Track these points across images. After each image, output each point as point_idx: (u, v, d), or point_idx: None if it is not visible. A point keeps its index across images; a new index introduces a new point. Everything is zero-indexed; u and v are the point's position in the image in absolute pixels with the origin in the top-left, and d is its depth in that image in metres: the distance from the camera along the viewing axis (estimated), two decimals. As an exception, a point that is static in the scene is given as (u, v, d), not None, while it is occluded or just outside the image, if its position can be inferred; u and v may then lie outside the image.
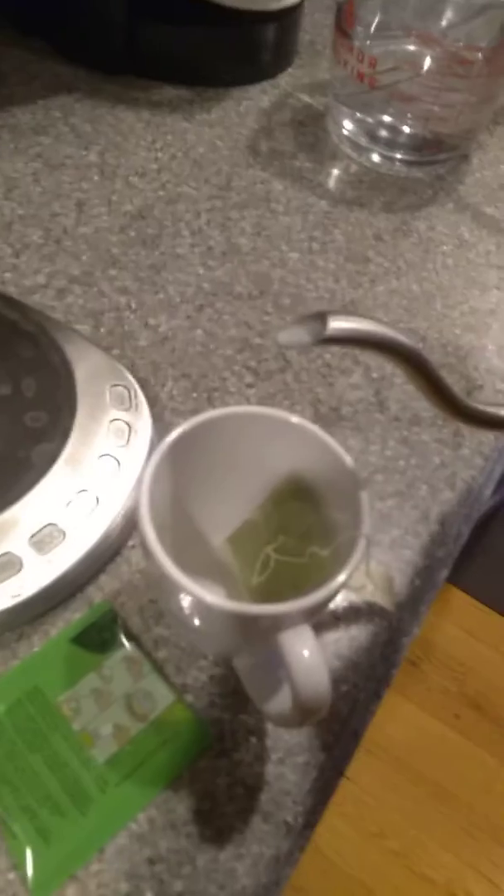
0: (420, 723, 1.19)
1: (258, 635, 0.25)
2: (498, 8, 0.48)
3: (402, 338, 0.24)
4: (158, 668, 0.31)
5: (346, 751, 0.31)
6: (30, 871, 0.26)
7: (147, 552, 0.25)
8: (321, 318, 0.23)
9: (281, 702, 0.26)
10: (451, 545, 0.38)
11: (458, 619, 1.30)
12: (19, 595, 0.29)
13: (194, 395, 0.40)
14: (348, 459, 0.27)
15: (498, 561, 1.35)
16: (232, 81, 0.57)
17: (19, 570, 0.30)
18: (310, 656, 0.23)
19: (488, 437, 0.41)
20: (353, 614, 0.33)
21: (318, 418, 0.40)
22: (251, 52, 0.57)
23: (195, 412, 0.39)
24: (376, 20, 0.50)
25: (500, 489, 1.11)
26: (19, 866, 0.26)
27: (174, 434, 0.27)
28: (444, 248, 0.49)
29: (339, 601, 0.34)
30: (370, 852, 1.07)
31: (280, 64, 0.59)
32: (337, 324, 0.23)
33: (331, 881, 1.04)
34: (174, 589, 0.24)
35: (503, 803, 1.12)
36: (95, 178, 0.49)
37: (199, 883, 0.27)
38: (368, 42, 0.50)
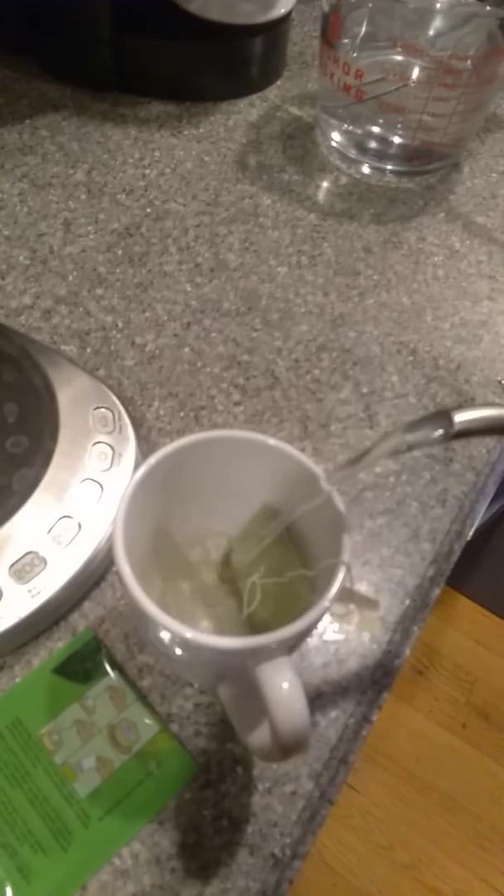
0: (427, 732, 1.18)
1: (238, 668, 0.25)
2: (484, 16, 0.47)
3: None
4: (143, 697, 0.30)
5: (335, 779, 0.31)
6: (9, 910, 0.25)
7: (123, 586, 0.24)
8: (445, 415, 0.24)
9: (263, 735, 0.25)
10: (442, 563, 0.37)
11: (464, 627, 1.28)
12: (-1, 626, 0.29)
13: (181, 414, 0.39)
14: (324, 482, 0.26)
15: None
16: (220, 95, 0.57)
17: (-1, 601, 0.29)
18: (288, 690, 0.23)
19: (480, 451, 0.40)
20: (342, 638, 0.33)
21: (306, 435, 0.39)
22: (239, 66, 0.57)
23: (182, 432, 0.39)
24: (363, 31, 0.50)
25: (502, 495, 1.10)
26: (-1, 906, 0.26)
27: (143, 468, 0.26)
28: (435, 258, 0.49)
29: (329, 625, 0.33)
30: (379, 865, 1.06)
31: (268, 77, 0.59)
32: (462, 417, 0.23)
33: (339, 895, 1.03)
34: (151, 623, 0.24)
35: (513, 814, 1.11)
36: (83, 196, 0.49)
37: (183, 920, 0.26)
38: (355, 54, 0.50)
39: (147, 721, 0.29)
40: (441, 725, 1.18)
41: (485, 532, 1.27)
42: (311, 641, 0.33)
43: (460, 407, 0.24)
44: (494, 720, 1.19)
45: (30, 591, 0.30)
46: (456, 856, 1.08)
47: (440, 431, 0.24)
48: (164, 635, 0.24)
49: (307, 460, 0.27)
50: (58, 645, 0.31)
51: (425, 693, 1.21)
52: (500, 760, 1.15)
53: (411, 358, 0.43)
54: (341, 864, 1.05)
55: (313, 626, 0.24)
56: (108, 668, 0.30)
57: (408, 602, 0.35)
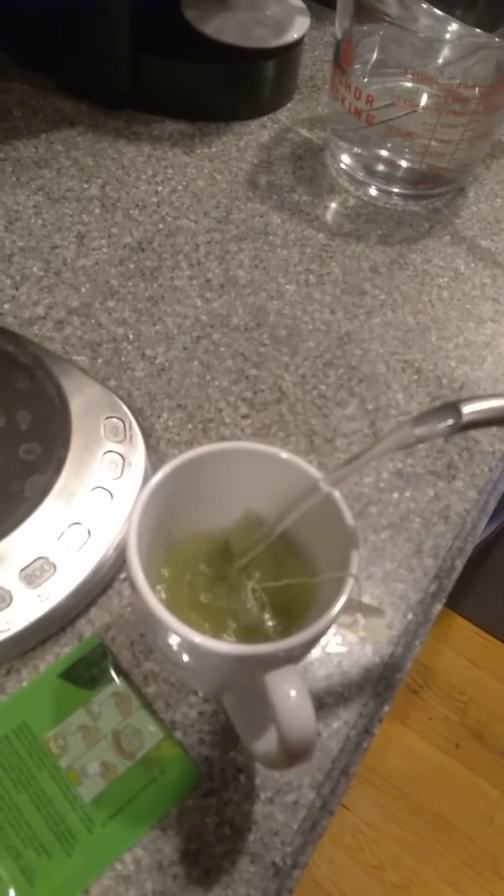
0: (420, 752, 1.17)
1: (245, 675, 0.25)
2: (493, 47, 0.49)
3: None
4: (148, 703, 0.31)
5: (336, 789, 0.31)
6: (13, 912, 0.26)
7: (135, 589, 0.25)
8: (453, 407, 0.23)
9: (268, 742, 0.26)
10: (444, 579, 0.37)
11: (459, 647, 1.29)
12: (8, 629, 0.29)
13: (189, 426, 0.40)
14: (322, 482, 0.27)
15: (500, 588, 1.34)
16: (232, 116, 0.58)
17: (9, 605, 0.30)
18: (296, 697, 0.23)
19: (482, 469, 0.41)
20: (345, 650, 0.33)
21: (312, 449, 0.40)
22: (252, 88, 0.58)
23: (190, 443, 0.39)
24: (373, 58, 0.51)
25: (500, 514, 1.11)
26: (2, 908, 0.26)
27: (160, 474, 0.27)
28: (440, 280, 0.50)
29: (332, 637, 0.34)
30: (370, 885, 1.05)
31: (280, 99, 0.60)
32: (470, 408, 0.23)
33: (329, 915, 1.02)
34: (161, 628, 0.24)
35: (505, 836, 1.10)
36: (96, 210, 0.50)
37: (184, 926, 0.27)
38: (366, 79, 0.51)
39: (151, 728, 0.30)
40: (434, 745, 1.18)
41: (481, 551, 1.27)
42: (315, 653, 0.33)
43: (468, 398, 0.23)
44: (488, 741, 1.19)
45: (39, 596, 0.30)
46: (447, 877, 1.07)
47: (449, 422, 0.23)
48: (173, 640, 0.25)
49: (312, 469, 0.28)
50: (64, 650, 0.32)
51: (419, 712, 1.21)
52: (493, 781, 1.15)
53: (416, 377, 0.44)
54: (331, 884, 1.05)
55: (321, 635, 0.24)
56: (113, 674, 0.31)
57: (410, 616, 0.35)
